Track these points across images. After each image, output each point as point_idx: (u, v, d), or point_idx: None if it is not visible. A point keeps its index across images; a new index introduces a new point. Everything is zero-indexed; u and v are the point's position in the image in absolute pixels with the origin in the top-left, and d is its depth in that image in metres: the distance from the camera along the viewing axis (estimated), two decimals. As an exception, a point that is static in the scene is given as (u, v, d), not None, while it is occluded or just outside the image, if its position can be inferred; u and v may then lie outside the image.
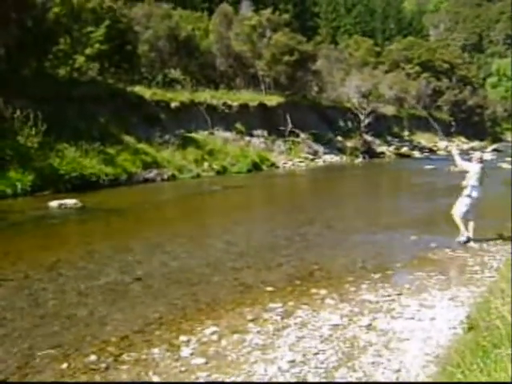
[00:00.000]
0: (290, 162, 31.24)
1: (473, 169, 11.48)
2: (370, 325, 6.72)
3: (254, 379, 5.37)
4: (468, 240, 11.25)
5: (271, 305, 7.38)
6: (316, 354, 5.91)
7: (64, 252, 10.41)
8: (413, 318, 6.95)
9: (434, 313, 7.13)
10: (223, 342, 6.20)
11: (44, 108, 19.23)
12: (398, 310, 7.27)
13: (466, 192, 11.43)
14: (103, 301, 7.54)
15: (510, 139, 72.93)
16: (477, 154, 12.21)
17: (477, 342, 4.73)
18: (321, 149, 35.41)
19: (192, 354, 5.89)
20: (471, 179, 11.38)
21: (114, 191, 18.70)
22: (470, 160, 12.06)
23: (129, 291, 8.07)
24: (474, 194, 11.36)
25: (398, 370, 5.53)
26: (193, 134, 27.29)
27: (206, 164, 25.10)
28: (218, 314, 7.09)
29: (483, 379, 3.56)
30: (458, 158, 12.01)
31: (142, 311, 7.13)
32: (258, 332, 6.49)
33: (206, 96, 30.31)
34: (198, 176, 23.91)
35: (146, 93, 27.11)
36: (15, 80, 20.72)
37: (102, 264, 9.45)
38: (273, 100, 34.56)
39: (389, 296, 7.82)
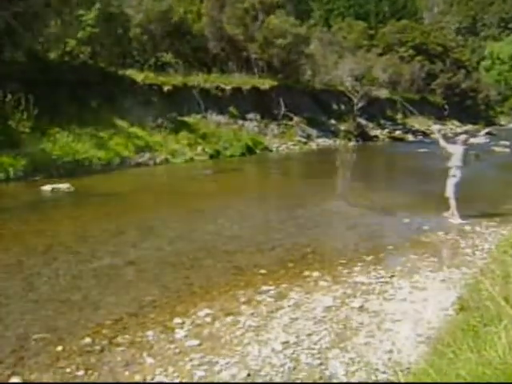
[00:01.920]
0: (284, 146, 31.14)
1: (457, 150, 11.95)
2: (363, 306, 6.80)
3: (248, 360, 5.43)
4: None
5: (264, 287, 7.44)
6: (309, 335, 5.99)
7: (57, 236, 10.40)
8: (405, 300, 7.03)
9: (425, 294, 7.21)
10: (217, 324, 6.26)
11: (35, 92, 19.10)
12: (390, 291, 7.35)
13: (451, 172, 11.89)
14: (97, 284, 7.57)
15: (503, 123, 73.08)
16: (462, 137, 12.63)
17: (468, 322, 4.79)
18: (314, 132, 35.31)
19: (186, 336, 5.95)
20: (456, 160, 11.85)
21: (107, 175, 18.62)
22: (455, 142, 12.46)
23: (122, 275, 8.10)
24: (458, 174, 11.82)
25: (390, 351, 5.60)
26: (185, 118, 27.18)
27: (199, 148, 25.02)
28: (211, 296, 7.14)
29: (473, 358, 3.61)
30: (441, 141, 12.64)
31: (136, 294, 7.15)
32: (252, 314, 6.55)
33: (198, 79, 30.14)
34: (192, 160, 23.82)
35: (138, 76, 26.87)
36: (6, 64, 20.52)
37: (95, 248, 9.45)
38: (266, 83, 34.36)
39: (381, 278, 7.90)
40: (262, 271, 8.14)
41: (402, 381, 4.57)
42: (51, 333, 5.98)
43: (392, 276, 7.98)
